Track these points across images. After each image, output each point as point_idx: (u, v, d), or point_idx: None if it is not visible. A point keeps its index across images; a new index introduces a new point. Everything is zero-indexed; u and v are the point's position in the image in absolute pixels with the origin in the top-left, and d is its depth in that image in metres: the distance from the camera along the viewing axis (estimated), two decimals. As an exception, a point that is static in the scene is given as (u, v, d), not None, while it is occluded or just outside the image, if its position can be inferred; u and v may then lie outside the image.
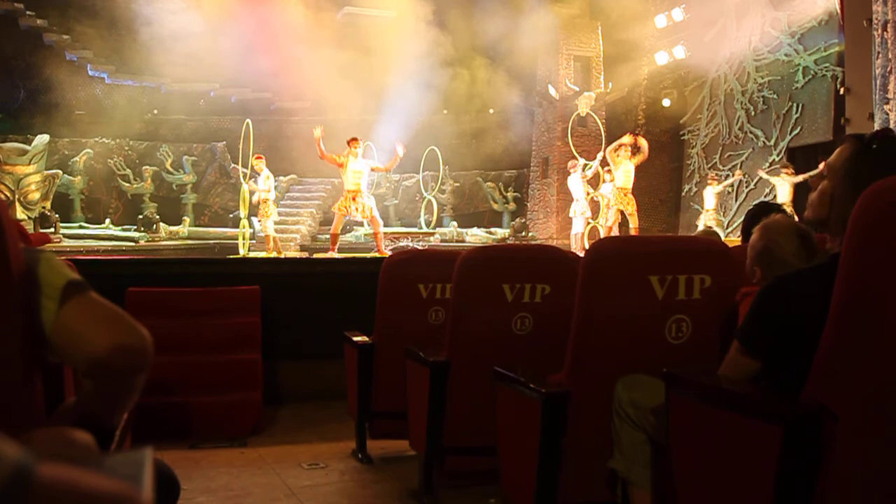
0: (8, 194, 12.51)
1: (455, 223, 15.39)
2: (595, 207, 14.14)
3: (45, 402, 1.28)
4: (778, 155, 12.58)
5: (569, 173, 12.74)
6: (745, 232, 4.03)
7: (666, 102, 15.24)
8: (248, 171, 11.75)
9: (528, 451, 2.51)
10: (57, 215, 12.91)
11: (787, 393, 1.70)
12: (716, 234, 4.67)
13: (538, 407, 2.44)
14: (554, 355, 2.65)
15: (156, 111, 14.98)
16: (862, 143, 1.83)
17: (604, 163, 14.01)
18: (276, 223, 14.46)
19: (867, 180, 1.67)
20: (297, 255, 12.93)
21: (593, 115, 14.69)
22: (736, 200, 13.45)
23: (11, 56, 13.49)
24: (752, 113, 13.25)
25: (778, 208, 4.20)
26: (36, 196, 12.97)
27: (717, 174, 13.62)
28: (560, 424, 2.44)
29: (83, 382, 1.27)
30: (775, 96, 12.78)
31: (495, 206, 16.20)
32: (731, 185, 13.53)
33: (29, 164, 12.90)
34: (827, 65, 11.72)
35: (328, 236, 14.54)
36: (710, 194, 12.26)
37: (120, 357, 1.20)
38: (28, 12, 14.04)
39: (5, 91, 13.67)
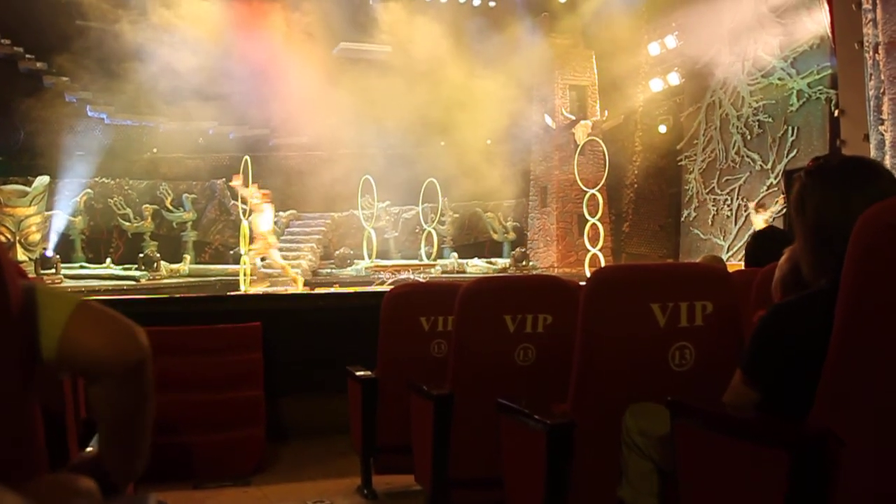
0: (9, 236, 12.53)
1: (455, 254, 15.40)
2: (596, 235, 14.18)
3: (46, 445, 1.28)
4: (775, 178, 12.61)
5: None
6: (749, 255, 4.03)
7: (662, 129, 15.32)
8: (248, 208, 11.79)
9: (535, 482, 2.49)
10: (58, 256, 12.92)
11: (792, 419, 1.70)
12: (720, 259, 4.65)
13: (543, 438, 2.43)
14: (558, 385, 2.64)
15: (155, 150, 15.06)
16: (801, 180, 1.90)
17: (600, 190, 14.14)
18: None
19: (808, 212, 1.83)
20: (299, 290, 12.93)
21: (598, 140, 14.77)
22: (735, 224, 13.47)
23: (11, 99, 13.59)
24: (748, 137, 13.31)
25: (782, 233, 4.21)
26: (37, 237, 12.99)
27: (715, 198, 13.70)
28: (566, 455, 2.42)
29: (91, 392, 1.28)
30: (770, 120, 12.84)
31: (495, 236, 16.22)
32: (731, 210, 13.57)
33: (29, 205, 12.94)
34: (820, 87, 11.80)
35: (329, 270, 14.61)
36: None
37: (119, 354, 1.22)
38: (28, 55, 14.17)
39: (5, 133, 13.75)
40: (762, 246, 3.87)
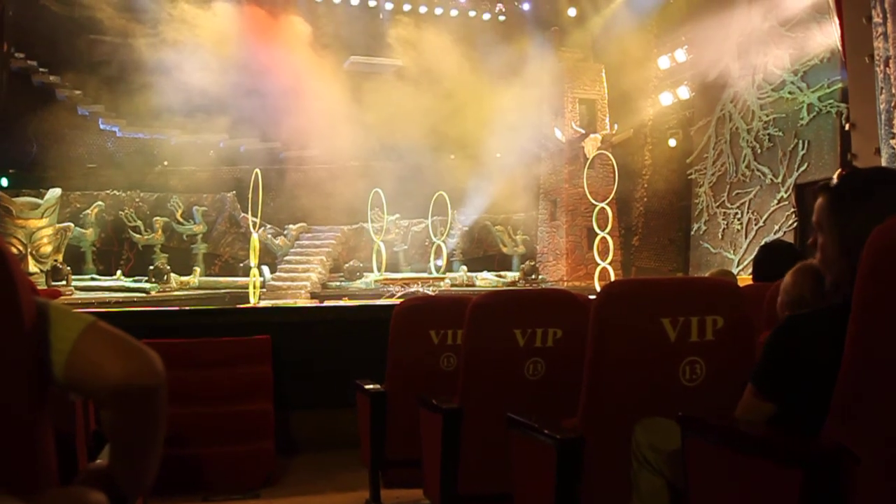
0: (20, 248, 12.59)
1: (465, 267, 15.39)
2: (606, 248, 14.16)
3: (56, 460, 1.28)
4: (786, 192, 12.57)
5: None
6: (757, 268, 4.02)
7: (672, 142, 15.30)
8: (258, 221, 11.84)
9: (545, 497, 2.48)
10: (69, 268, 12.98)
11: (805, 435, 1.68)
12: (731, 273, 4.64)
13: (553, 453, 2.42)
14: (567, 400, 2.62)
15: (166, 163, 15.13)
16: (832, 190, 1.86)
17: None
18: (286, 271, 14.57)
19: (850, 223, 1.76)
20: (308, 302, 12.94)
21: (608, 154, 14.79)
22: (746, 238, 13.43)
23: (24, 112, 13.70)
24: (759, 150, 13.28)
25: (790, 246, 4.19)
26: (48, 249, 13.05)
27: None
28: (576, 470, 2.41)
29: (104, 417, 1.27)
30: (781, 133, 12.81)
31: (505, 250, 16.20)
32: (741, 223, 13.53)
33: (41, 217, 13.01)
34: (831, 101, 11.77)
35: (338, 283, 14.63)
36: None
37: (132, 379, 1.21)
38: (41, 69, 14.29)
39: (18, 146, 13.84)
40: (770, 259, 3.86)
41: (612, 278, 13.53)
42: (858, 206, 1.78)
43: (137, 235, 14.46)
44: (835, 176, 1.90)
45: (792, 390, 1.78)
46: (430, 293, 12.02)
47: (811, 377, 1.70)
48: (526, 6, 16.37)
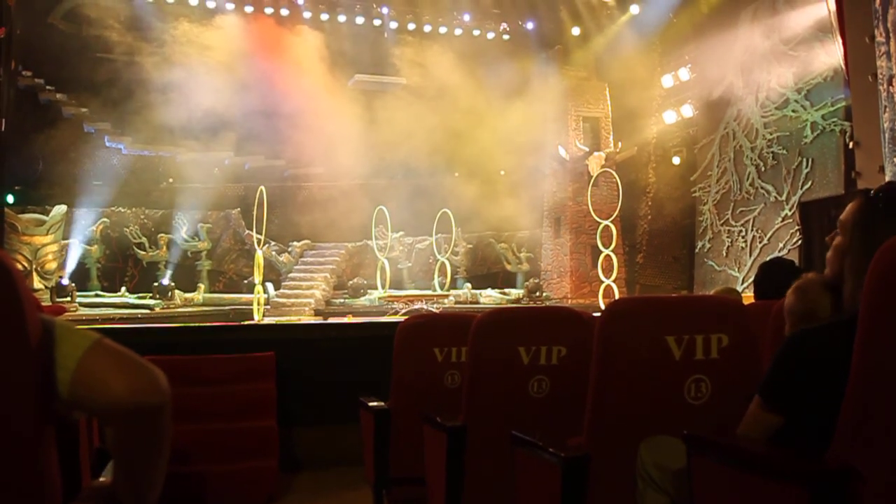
0: (26, 264, 12.63)
1: (469, 284, 15.38)
2: (610, 266, 14.15)
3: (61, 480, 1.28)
4: (790, 210, 12.57)
5: None
6: (758, 286, 4.01)
7: (676, 160, 15.33)
8: (263, 238, 11.86)
9: (549, 517, 2.46)
10: (73, 284, 13.00)
11: (811, 450, 1.68)
12: (735, 291, 4.62)
13: (558, 471, 2.41)
14: (572, 418, 2.61)
15: (171, 180, 15.20)
16: (871, 197, 1.85)
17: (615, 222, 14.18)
18: (291, 288, 14.57)
19: (879, 233, 1.71)
20: (312, 319, 12.93)
21: (612, 172, 14.82)
22: (750, 256, 13.41)
23: (31, 129, 13.78)
24: (763, 168, 13.30)
25: (790, 263, 4.19)
26: (53, 266, 13.09)
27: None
28: (581, 489, 2.40)
29: (108, 434, 1.27)
30: (784, 152, 12.83)
31: (509, 267, 16.20)
32: (745, 241, 13.53)
33: (46, 234, 13.06)
34: (835, 119, 11.79)
35: (342, 300, 14.62)
36: None
37: (137, 396, 1.21)
38: (48, 87, 14.40)
39: (25, 163, 13.90)
40: (770, 277, 3.86)
41: (617, 296, 13.51)
42: (891, 217, 1.78)
43: (142, 252, 14.50)
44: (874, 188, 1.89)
45: (800, 403, 1.78)
46: (434, 310, 12.00)
47: (819, 391, 1.69)
48: (530, 25, 16.45)
